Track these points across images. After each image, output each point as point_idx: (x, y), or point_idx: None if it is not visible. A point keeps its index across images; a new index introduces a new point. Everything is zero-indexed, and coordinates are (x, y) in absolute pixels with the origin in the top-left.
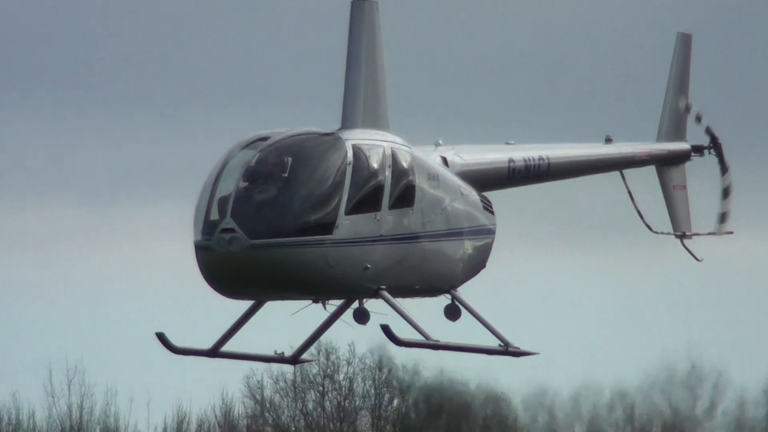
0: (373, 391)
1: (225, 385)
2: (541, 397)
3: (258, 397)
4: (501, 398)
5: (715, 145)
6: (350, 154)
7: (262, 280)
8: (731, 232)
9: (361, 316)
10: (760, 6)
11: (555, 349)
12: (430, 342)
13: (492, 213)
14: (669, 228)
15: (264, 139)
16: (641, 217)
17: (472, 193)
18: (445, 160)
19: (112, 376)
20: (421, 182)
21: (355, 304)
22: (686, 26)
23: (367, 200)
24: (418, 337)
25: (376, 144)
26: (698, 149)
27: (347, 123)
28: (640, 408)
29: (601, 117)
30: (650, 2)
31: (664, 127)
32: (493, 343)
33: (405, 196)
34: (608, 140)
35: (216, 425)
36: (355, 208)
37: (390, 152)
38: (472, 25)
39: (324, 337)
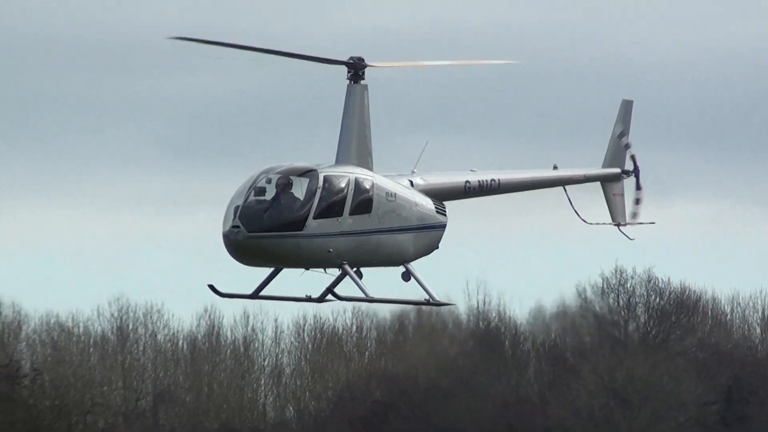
0: None
1: None
2: None
3: None
4: None
5: (635, 169)
6: (320, 181)
7: (258, 256)
8: (653, 222)
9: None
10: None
11: None
12: (368, 297)
13: (444, 215)
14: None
15: (271, 170)
16: (578, 214)
17: (427, 203)
18: (411, 183)
19: None
20: (378, 197)
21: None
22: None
23: (331, 209)
24: (360, 294)
25: (344, 174)
26: (626, 172)
27: (338, 161)
28: None
29: (562, 150)
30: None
31: (608, 156)
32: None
33: (363, 207)
34: (555, 167)
35: None
36: (321, 215)
37: (353, 179)
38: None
39: None
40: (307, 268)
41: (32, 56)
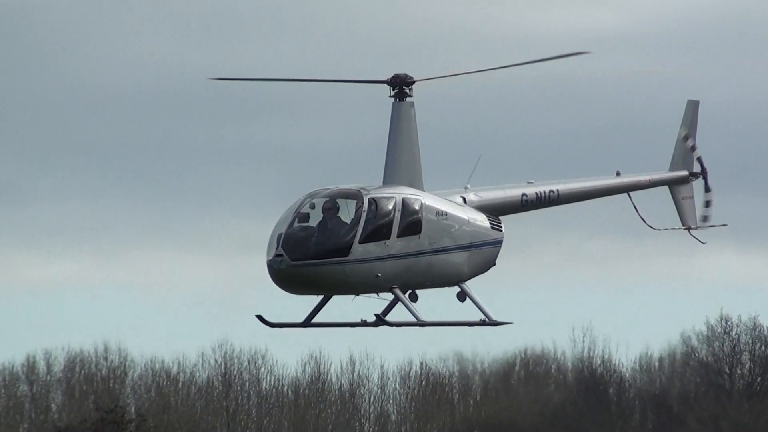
0: None
1: None
2: None
3: None
4: None
5: (702, 171)
6: (365, 204)
7: (304, 284)
8: (725, 225)
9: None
10: None
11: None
12: (419, 321)
13: (500, 230)
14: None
15: (315, 194)
16: (644, 221)
17: (481, 219)
18: (464, 199)
19: None
20: (428, 217)
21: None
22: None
23: (378, 233)
24: (411, 319)
25: (391, 195)
26: (694, 175)
27: (385, 182)
28: None
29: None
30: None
31: (675, 159)
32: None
33: (412, 228)
34: (618, 174)
35: None
36: (367, 239)
37: (400, 200)
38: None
39: None
40: (357, 294)
41: (145, 105)
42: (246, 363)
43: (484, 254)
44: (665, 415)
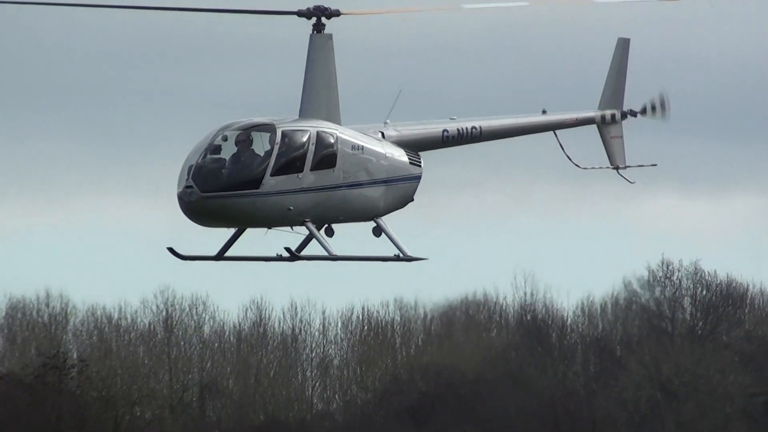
0: None
1: None
2: None
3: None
4: None
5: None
6: (278, 136)
7: (214, 217)
8: (655, 164)
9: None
10: None
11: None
12: (331, 255)
13: (419, 166)
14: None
15: (227, 126)
16: (570, 159)
17: (400, 154)
18: (383, 134)
19: None
20: (343, 151)
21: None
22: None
23: (290, 166)
24: (322, 252)
25: (304, 129)
26: (625, 114)
27: (302, 115)
28: None
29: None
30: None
31: (605, 97)
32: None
33: (326, 162)
34: (543, 112)
35: None
36: (279, 171)
37: (315, 133)
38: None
39: None
40: (269, 228)
41: None
42: (187, 309)
43: (401, 189)
44: (608, 359)
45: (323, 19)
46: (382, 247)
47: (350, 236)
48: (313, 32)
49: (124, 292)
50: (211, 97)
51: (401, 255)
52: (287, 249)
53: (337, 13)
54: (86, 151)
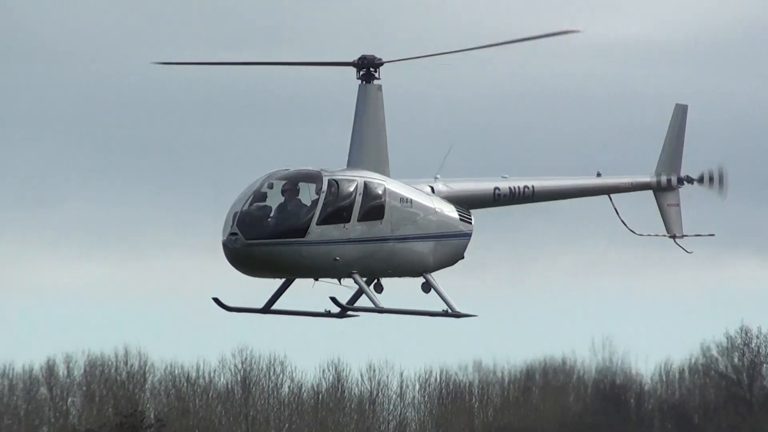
0: None
1: None
2: None
3: None
4: None
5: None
6: (325, 185)
7: (259, 265)
8: (713, 234)
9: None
10: None
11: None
12: (378, 308)
13: (469, 223)
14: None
15: (273, 174)
16: (625, 225)
17: (450, 210)
18: (432, 189)
19: None
20: (391, 203)
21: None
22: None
23: (337, 215)
24: (369, 305)
25: (351, 178)
26: (682, 180)
27: (350, 166)
28: None
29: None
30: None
31: (661, 161)
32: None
33: (373, 213)
34: (598, 175)
35: None
36: (325, 221)
37: (362, 183)
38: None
39: None
40: (316, 279)
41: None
42: (264, 369)
43: (450, 246)
44: (685, 426)
45: (371, 70)
46: (431, 302)
47: (400, 291)
48: (362, 82)
49: (202, 351)
50: (267, 153)
51: (450, 311)
52: (333, 299)
53: (381, 62)
54: (167, 210)
